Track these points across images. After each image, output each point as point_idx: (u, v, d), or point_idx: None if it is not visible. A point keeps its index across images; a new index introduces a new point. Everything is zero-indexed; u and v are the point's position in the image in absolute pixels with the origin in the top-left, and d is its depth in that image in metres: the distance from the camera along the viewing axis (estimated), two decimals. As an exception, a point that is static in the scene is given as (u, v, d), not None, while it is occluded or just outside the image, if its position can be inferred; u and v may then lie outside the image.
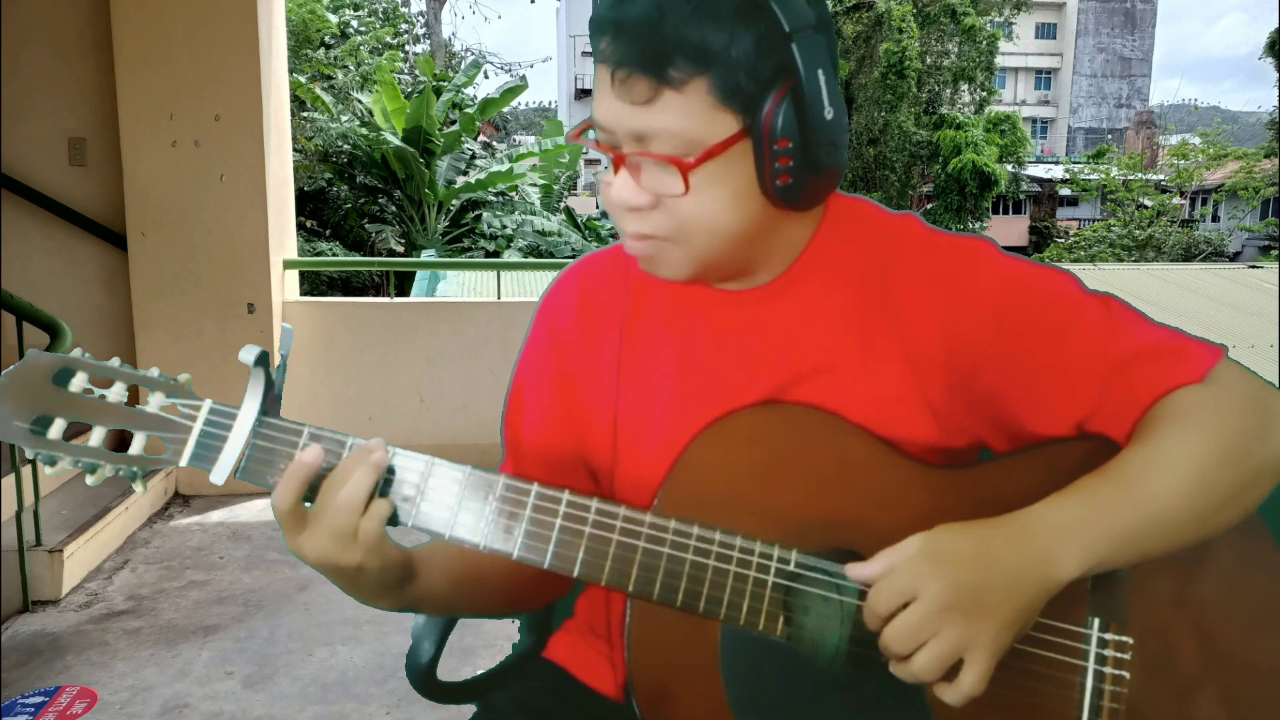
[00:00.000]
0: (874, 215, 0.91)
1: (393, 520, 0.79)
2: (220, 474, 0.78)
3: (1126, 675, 0.79)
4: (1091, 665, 0.79)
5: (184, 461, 0.79)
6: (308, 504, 0.78)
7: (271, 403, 0.80)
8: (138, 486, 0.81)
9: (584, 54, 35.74)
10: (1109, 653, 0.79)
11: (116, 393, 0.80)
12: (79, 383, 0.79)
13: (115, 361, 0.81)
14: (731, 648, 0.82)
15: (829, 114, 0.78)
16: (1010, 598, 0.73)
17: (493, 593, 0.95)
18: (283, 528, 0.78)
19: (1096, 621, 0.79)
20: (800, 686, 0.82)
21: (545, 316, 0.98)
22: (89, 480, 0.80)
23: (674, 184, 0.78)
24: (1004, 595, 0.73)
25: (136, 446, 0.80)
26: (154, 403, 0.80)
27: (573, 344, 0.95)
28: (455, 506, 0.79)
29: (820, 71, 0.77)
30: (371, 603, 0.84)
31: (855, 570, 0.76)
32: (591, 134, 0.83)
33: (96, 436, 0.79)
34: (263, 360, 0.78)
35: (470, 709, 1.07)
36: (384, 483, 0.79)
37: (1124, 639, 0.79)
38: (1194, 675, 0.81)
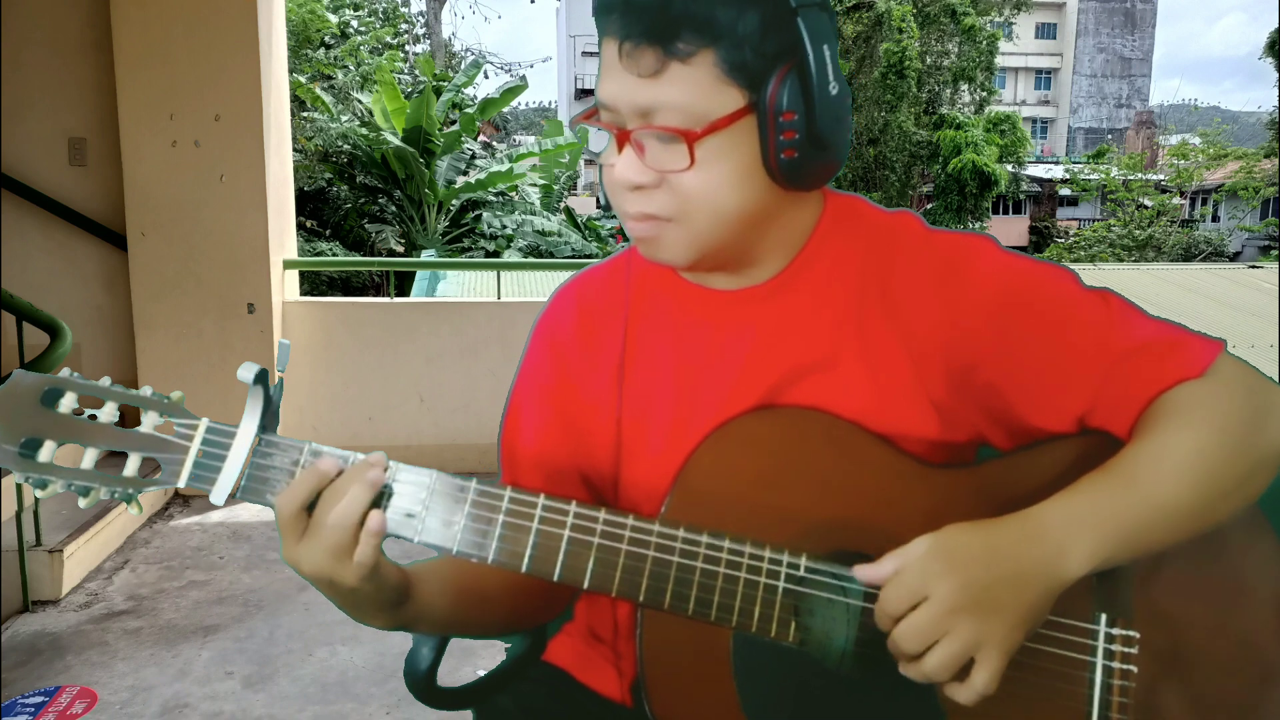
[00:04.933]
0: (871, 213, 0.92)
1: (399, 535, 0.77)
2: (220, 494, 0.77)
3: (1134, 669, 0.79)
4: (1100, 660, 0.79)
5: (182, 483, 0.77)
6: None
7: (270, 420, 0.79)
8: (132, 509, 0.79)
9: (584, 54, 35.71)
10: (1116, 647, 0.79)
11: (108, 413, 0.78)
12: (68, 403, 0.77)
13: (106, 381, 0.79)
14: (744, 653, 0.82)
15: (833, 89, 0.79)
16: (1020, 596, 0.74)
17: (494, 611, 0.94)
18: (281, 535, 0.76)
19: (1104, 617, 0.80)
20: (814, 690, 0.82)
21: (544, 329, 0.98)
22: (82, 503, 0.77)
23: (678, 159, 0.78)
24: (1014, 593, 0.74)
25: (130, 467, 0.78)
26: (148, 422, 0.78)
27: (572, 354, 0.95)
28: (460, 521, 0.77)
29: (825, 47, 0.78)
30: (366, 620, 0.82)
31: (864, 572, 0.75)
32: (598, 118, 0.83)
33: (89, 458, 0.77)
34: (261, 378, 0.77)
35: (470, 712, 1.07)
36: (388, 499, 0.77)
37: (1131, 633, 0.80)
38: (1197, 668, 0.81)
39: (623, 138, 0.80)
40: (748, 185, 0.80)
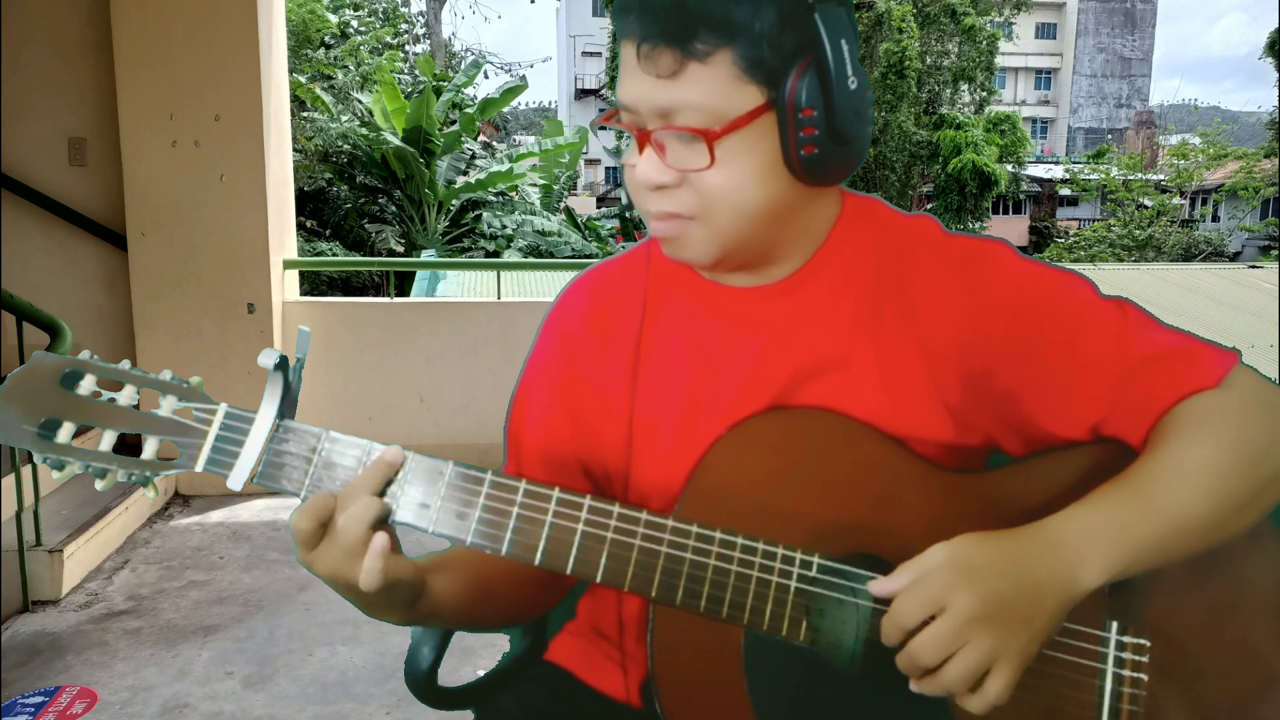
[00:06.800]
0: (889, 215, 0.92)
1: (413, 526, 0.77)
2: (238, 479, 0.77)
3: (1145, 678, 0.79)
4: (1110, 669, 0.79)
5: (200, 466, 0.77)
6: None
7: (288, 406, 0.79)
8: (149, 491, 0.79)
9: (584, 54, 35.71)
10: (1127, 655, 0.79)
11: (126, 395, 0.78)
12: (87, 385, 0.78)
13: (125, 364, 0.79)
14: (755, 651, 0.82)
15: (852, 84, 0.79)
16: (1037, 607, 0.74)
17: (502, 603, 0.94)
18: (296, 542, 0.76)
19: (1115, 625, 0.80)
20: (825, 690, 0.82)
21: (556, 320, 0.98)
22: (98, 485, 0.78)
23: (699, 158, 0.78)
24: (1032, 605, 0.73)
25: (148, 451, 0.79)
26: (166, 406, 0.78)
27: (584, 348, 0.95)
28: (475, 514, 0.77)
29: (843, 42, 0.78)
30: (382, 618, 0.82)
31: (878, 585, 0.75)
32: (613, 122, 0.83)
33: (106, 440, 0.78)
34: (282, 365, 0.77)
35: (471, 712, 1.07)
36: (403, 489, 0.77)
37: (1142, 642, 0.79)
38: (1198, 672, 0.81)
39: (643, 138, 0.80)
40: (769, 182, 0.80)
